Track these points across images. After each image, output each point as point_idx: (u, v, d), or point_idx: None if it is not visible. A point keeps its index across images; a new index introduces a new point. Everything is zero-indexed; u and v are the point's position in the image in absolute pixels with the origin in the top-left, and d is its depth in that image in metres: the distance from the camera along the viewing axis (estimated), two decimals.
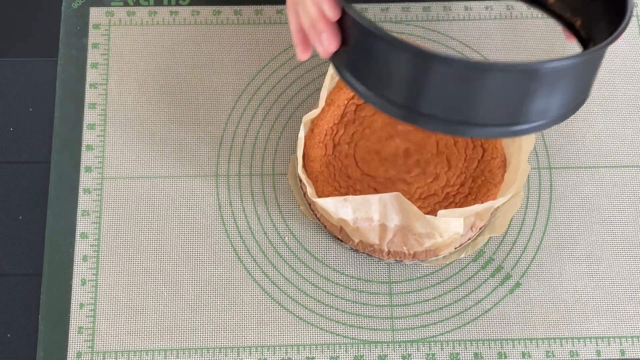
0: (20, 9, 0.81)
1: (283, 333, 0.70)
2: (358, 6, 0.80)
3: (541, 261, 0.72)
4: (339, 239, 0.71)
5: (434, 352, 0.69)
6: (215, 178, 0.74)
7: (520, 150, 0.69)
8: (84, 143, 0.75)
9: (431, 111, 0.53)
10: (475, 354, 0.69)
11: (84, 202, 0.73)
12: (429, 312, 0.71)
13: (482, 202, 0.68)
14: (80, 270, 0.71)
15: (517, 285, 0.71)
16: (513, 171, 0.69)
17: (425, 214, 0.69)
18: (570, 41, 0.64)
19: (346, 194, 0.70)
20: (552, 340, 0.70)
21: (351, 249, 0.71)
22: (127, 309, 0.70)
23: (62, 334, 0.69)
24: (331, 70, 0.69)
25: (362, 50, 0.55)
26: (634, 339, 0.70)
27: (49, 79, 0.77)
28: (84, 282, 0.71)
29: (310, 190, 0.67)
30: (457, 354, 0.69)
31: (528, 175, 0.75)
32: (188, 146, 0.75)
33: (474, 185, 0.70)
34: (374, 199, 0.64)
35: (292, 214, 0.73)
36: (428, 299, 0.71)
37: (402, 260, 0.70)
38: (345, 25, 0.56)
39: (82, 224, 0.72)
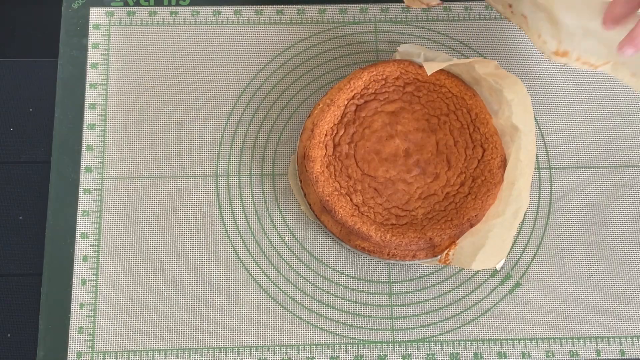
0: (20, 9, 0.81)
1: (283, 333, 0.70)
2: (357, 6, 0.80)
3: (541, 261, 0.72)
4: (339, 238, 0.71)
5: (434, 352, 0.69)
6: (215, 178, 0.74)
7: (520, 149, 0.69)
8: (84, 143, 0.75)
9: None
10: (475, 354, 0.69)
11: (84, 202, 0.73)
12: (429, 312, 0.71)
13: (481, 202, 0.68)
14: (80, 270, 0.71)
15: (517, 285, 0.72)
16: (511, 170, 0.69)
17: (425, 213, 0.69)
18: None
19: (347, 194, 0.70)
20: (552, 340, 0.70)
21: (351, 249, 0.71)
22: (127, 309, 0.70)
23: (62, 334, 0.69)
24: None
25: None
26: (634, 339, 0.70)
27: (49, 79, 0.77)
28: (84, 282, 0.71)
29: None
30: (457, 354, 0.69)
31: None
32: (188, 146, 0.75)
33: (474, 185, 0.70)
34: None
35: (292, 214, 0.73)
36: (428, 299, 0.71)
37: (402, 260, 0.70)
38: None
39: (82, 224, 0.72)
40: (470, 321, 0.70)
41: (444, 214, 0.69)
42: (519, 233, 0.73)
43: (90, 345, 0.69)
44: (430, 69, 0.71)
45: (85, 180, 0.74)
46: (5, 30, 0.80)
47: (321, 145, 0.71)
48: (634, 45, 0.59)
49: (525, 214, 0.73)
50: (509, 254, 0.72)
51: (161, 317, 0.70)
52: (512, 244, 0.72)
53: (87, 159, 0.74)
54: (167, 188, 0.74)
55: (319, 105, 0.72)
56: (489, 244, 0.66)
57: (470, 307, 0.71)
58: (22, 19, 0.81)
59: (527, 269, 0.72)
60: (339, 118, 0.72)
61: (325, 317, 0.70)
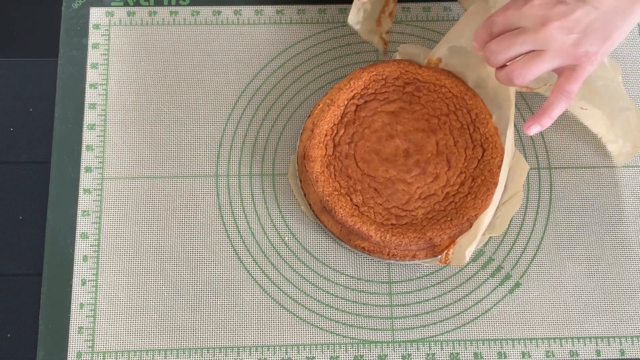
0: (20, 9, 0.81)
1: (283, 333, 0.70)
2: None
3: (541, 261, 0.72)
4: (339, 238, 0.71)
5: (434, 352, 0.69)
6: (215, 178, 0.74)
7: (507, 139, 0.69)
8: (84, 143, 0.75)
9: None
10: (475, 354, 0.69)
11: (84, 202, 0.73)
12: (429, 312, 0.71)
13: (481, 202, 0.69)
14: (80, 270, 0.71)
15: (517, 285, 0.71)
16: (511, 170, 0.69)
17: (425, 213, 0.69)
18: None
19: (347, 194, 0.70)
20: (552, 340, 0.70)
21: (351, 249, 0.71)
22: (127, 309, 0.70)
23: (62, 334, 0.69)
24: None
25: None
26: (634, 339, 0.70)
27: (49, 79, 0.77)
28: (84, 282, 0.71)
29: None
30: (457, 354, 0.69)
31: (528, 175, 0.75)
32: (188, 146, 0.75)
33: (474, 185, 0.70)
34: None
35: (292, 214, 0.73)
36: (428, 299, 0.71)
37: (402, 260, 0.70)
38: None
39: (82, 224, 0.72)
40: (470, 321, 0.70)
41: (443, 214, 0.69)
42: (518, 233, 0.73)
43: (90, 345, 0.69)
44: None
45: (85, 180, 0.74)
46: (5, 30, 0.80)
47: (321, 145, 0.71)
48: (540, 124, 0.63)
49: (525, 214, 0.73)
50: (501, 244, 0.72)
51: (161, 317, 0.70)
52: (505, 231, 0.73)
53: (87, 159, 0.74)
54: (167, 188, 0.74)
55: (319, 105, 0.72)
56: (478, 235, 0.68)
57: (470, 307, 0.71)
58: (22, 19, 0.81)
59: (527, 269, 0.72)
60: (339, 118, 0.72)
61: (325, 317, 0.70)
